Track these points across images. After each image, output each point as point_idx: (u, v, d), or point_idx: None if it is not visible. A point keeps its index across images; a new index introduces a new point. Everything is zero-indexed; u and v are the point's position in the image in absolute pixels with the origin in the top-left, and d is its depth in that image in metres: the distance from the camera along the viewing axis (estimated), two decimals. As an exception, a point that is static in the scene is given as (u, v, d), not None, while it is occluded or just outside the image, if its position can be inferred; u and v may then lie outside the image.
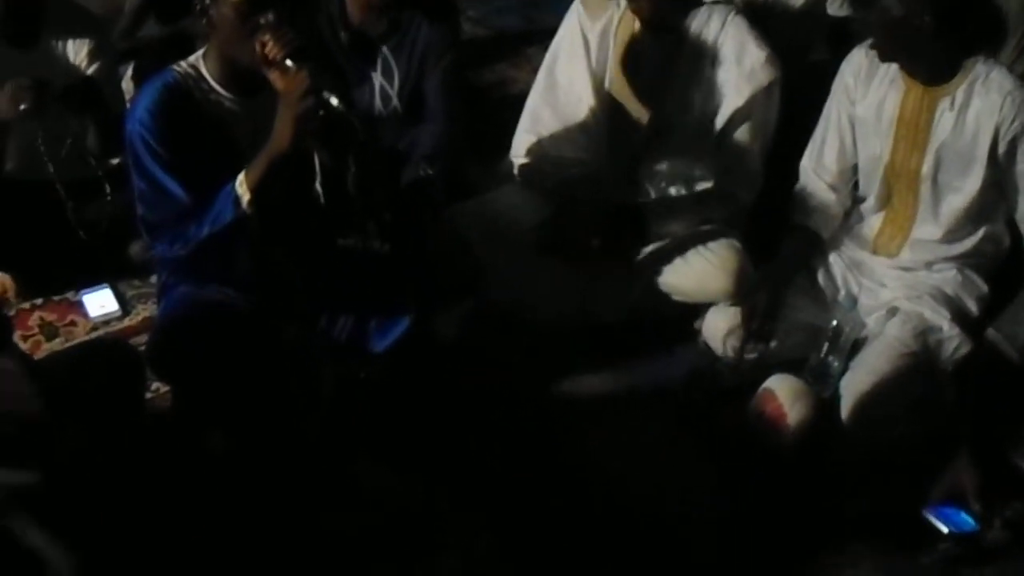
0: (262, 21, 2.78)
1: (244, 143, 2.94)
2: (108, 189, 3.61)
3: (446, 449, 3.27)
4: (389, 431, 3.24)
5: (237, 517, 3.04)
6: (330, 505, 3.12)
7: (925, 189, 3.34)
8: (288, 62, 2.76)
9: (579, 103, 3.63)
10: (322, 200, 3.07)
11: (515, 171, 3.73)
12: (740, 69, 3.49)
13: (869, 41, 3.31)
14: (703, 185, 3.63)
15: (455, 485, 3.20)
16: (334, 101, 2.76)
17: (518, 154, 3.71)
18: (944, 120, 3.25)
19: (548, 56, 3.71)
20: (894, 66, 3.30)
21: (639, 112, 3.61)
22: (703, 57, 3.52)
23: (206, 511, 3.04)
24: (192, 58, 3.00)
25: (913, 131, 3.29)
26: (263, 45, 2.78)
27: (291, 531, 3.02)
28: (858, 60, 3.40)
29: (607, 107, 3.64)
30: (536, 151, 3.68)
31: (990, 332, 3.14)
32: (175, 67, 2.99)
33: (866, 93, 3.38)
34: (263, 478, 3.09)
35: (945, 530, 2.95)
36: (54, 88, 3.43)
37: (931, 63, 3.22)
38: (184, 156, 2.89)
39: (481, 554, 3.06)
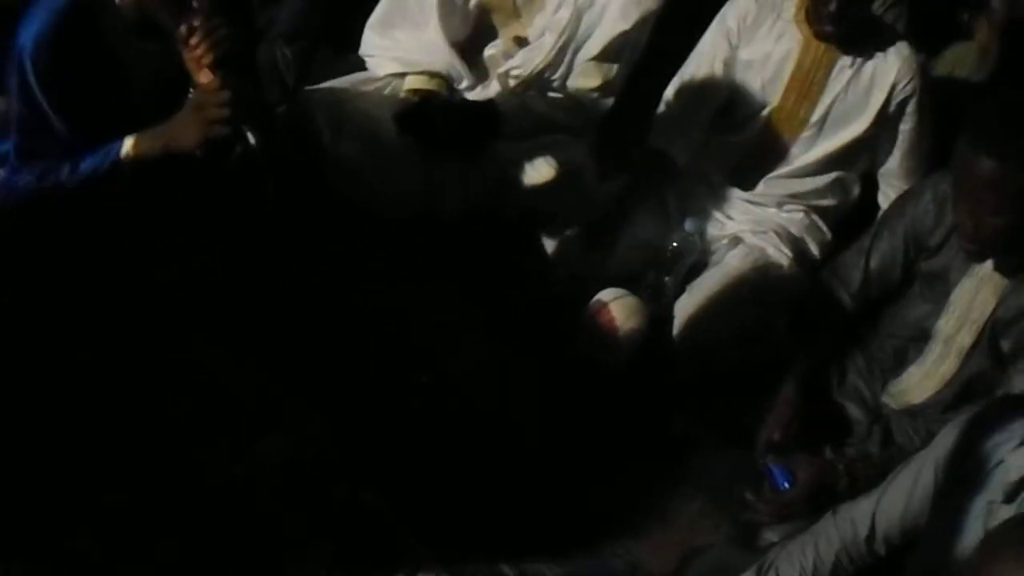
0: (193, 3, 2.61)
1: (138, 86, 2.78)
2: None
3: (278, 331, 3.18)
4: (225, 314, 3.12)
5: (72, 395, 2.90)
6: (162, 384, 3.00)
7: (807, 135, 3.43)
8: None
9: (432, 14, 3.53)
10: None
11: (368, 65, 3.64)
12: None
13: None
14: (558, 95, 3.57)
15: (286, 368, 3.12)
16: (251, 139, 2.64)
17: (368, 53, 3.62)
18: (841, 75, 3.35)
19: None
20: (784, 17, 3.38)
21: (505, 27, 3.57)
22: None
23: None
24: None
25: (807, 83, 3.37)
26: (188, 31, 2.60)
27: (123, 411, 2.90)
28: (744, 4, 3.44)
29: (469, 18, 3.58)
30: (387, 54, 3.59)
31: (825, 273, 3.16)
32: None
33: (751, 39, 3.42)
34: (96, 360, 2.95)
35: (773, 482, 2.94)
36: None
37: (851, 25, 3.28)
38: (72, 88, 2.70)
39: (310, 437, 3.01)
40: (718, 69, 3.47)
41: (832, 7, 3.21)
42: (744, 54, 3.43)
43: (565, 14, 3.48)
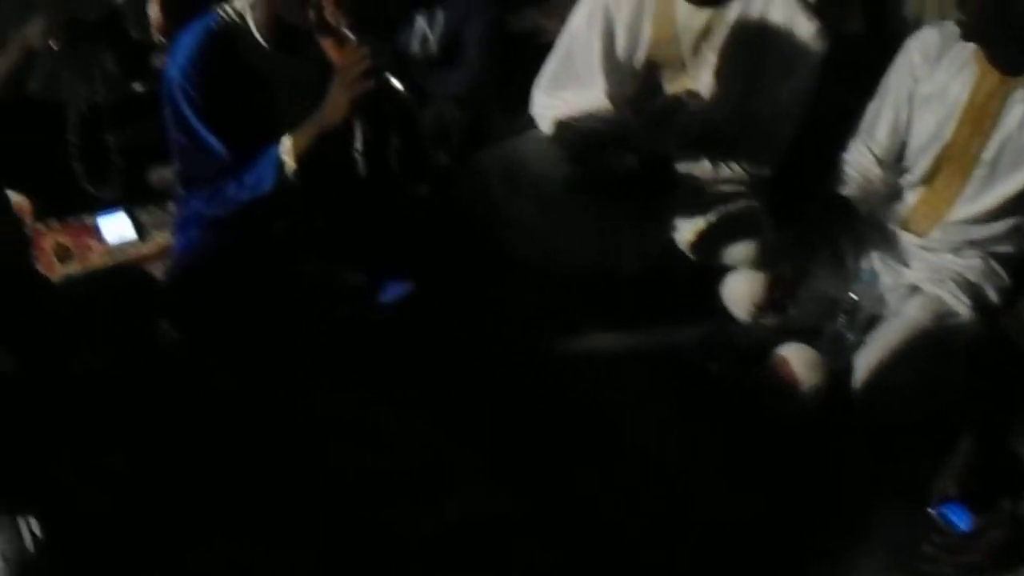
0: None
1: (283, 101, 2.90)
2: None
3: (457, 395, 3.26)
4: (402, 374, 3.22)
5: (246, 453, 3.03)
6: (340, 445, 3.10)
7: (979, 174, 3.32)
8: (346, 31, 2.71)
9: (598, 74, 3.58)
10: (361, 168, 3.02)
11: (538, 124, 3.68)
12: (791, 42, 3.46)
13: (942, 22, 3.34)
14: (732, 148, 3.58)
15: (464, 431, 3.19)
16: (396, 83, 2.70)
17: (538, 112, 3.67)
18: (1015, 111, 3.22)
19: (567, 26, 3.64)
20: (967, 49, 3.26)
21: (674, 80, 3.59)
22: (748, 27, 3.48)
23: (214, 446, 3.02)
24: (238, 2, 2.92)
25: (980, 117, 3.26)
26: (319, 7, 2.71)
27: (301, 469, 3.02)
28: (928, 38, 3.36)
29: (636, 75, 3.60)
30: (555, 110, 3.63)
31: (1007, 323, 3.12)
32: (219, 11, 2.92)
33: (933, 73, 3.33)
34: (273, 415, 3.08)
35: (951, 525, 2.94)
36: (84, 23, 3.44)
37: (1018, 51, 3.19)
38: (223, 110, 2.84)
39: (486, 500, 3.06)
40: (902, 105, 3.40)
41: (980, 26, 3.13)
42: (924, 88, 3.34)
43: (735, 67, 3.51)
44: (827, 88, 3.58)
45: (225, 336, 3.05)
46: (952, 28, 3.28)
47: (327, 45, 2.77)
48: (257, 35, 2.90)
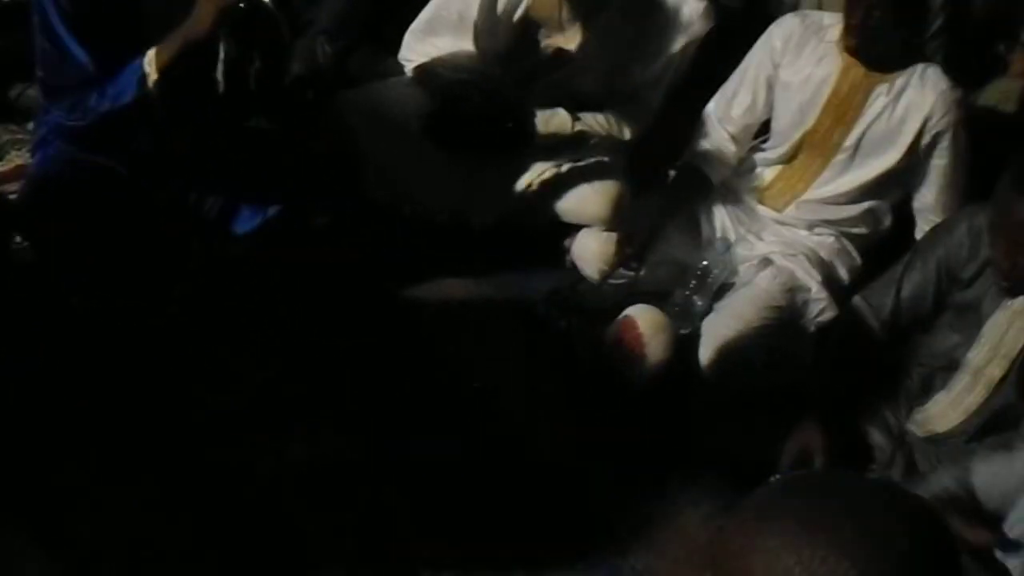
0: None
1: (153, 22, 2.83)
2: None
3: (300, 335, 3.22)
4: (251, 312, 3.19)
5: (97, 381, 2.96)
6: (183, 383, 3.06)
7: (838, 159, 3.40)
8: None
9: (472, 25, 3.55)
10: (220, 87, 2.97)
11: (405, 69, 3.66)
12: (678, 18, 3.51)
13: (805, 12, 3.50)
14: (596, 112, 3.60)
15: (307, 373, 3.15)
16: None
17: (408, 57, 3.64)
18: (877, 103, 3.31)
19: None
20: (828, 39, 3.34)
21: (549, 40, 3.57)
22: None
23: (67, 370, 2.96)
24: None
25: (844, 108, 3.33)
26: None
27: (144, 404, 2.96)
28: (790, 26, 3.44)
29: (512, 30, 3.58)
30: (424, 56, 3.61)
31: (856, 300, 3.13)
32: None
33: (794, 60, 3.40)
34: (124, 345, 3.03)
35: None
36: None
37: (887, 47, 3.27)
38: (92, 21, 2.78)
39: (327, 445, 3.01)
40: (760, 88, 3.47)
41: (854, 20, 3.20)
42: (785, 75, 3.41)
43: (614, 34, 3.51)
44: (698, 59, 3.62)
45: (80, 257, 2.96)
46: (815, 19, 3.42)
47: None
48: None
